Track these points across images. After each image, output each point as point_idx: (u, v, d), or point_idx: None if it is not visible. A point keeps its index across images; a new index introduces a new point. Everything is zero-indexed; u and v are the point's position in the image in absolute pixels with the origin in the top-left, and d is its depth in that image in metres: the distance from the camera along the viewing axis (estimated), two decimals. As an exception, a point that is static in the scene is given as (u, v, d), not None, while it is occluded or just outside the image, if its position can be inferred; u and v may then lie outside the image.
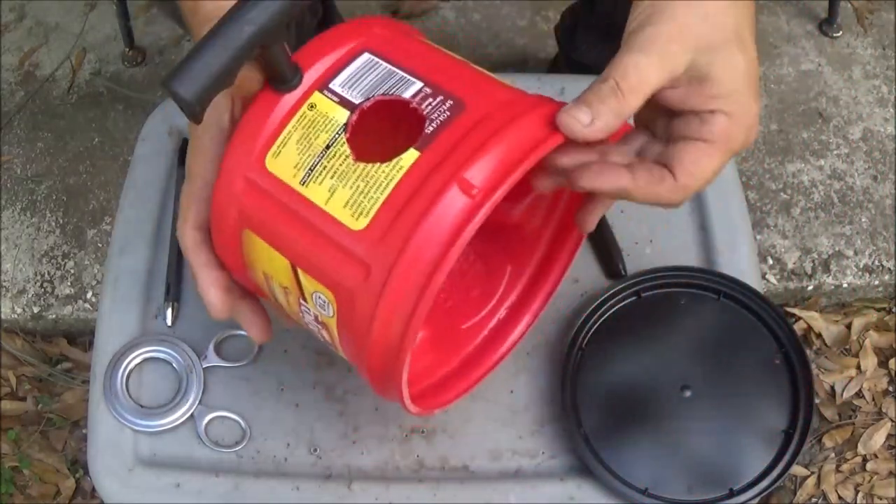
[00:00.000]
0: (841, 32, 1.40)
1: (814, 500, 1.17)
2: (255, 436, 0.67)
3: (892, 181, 1.26)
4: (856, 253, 1.22)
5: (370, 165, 0.46)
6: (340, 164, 0.47)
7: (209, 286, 0.54)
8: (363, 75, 0.50)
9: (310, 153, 0.48)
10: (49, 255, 1.27)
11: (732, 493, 0.63)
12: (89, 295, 1.24)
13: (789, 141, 1.30)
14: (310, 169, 0.48)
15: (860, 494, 1.16)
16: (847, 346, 1.25)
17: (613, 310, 0.69)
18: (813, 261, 1.22)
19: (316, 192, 0.47)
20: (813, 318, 1.24)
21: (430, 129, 0.47)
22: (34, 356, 1.27)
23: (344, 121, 0.48)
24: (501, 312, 0.65)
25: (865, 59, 1.38)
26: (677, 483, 0.63)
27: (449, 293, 0.65)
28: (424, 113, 0.47)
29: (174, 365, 0.69)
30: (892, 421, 1.20)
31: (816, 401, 1.06)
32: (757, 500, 0.64)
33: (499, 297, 0.65)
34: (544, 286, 0.65)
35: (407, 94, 0.48)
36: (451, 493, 0.65)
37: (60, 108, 1.41)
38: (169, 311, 0.71)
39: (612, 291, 0.69)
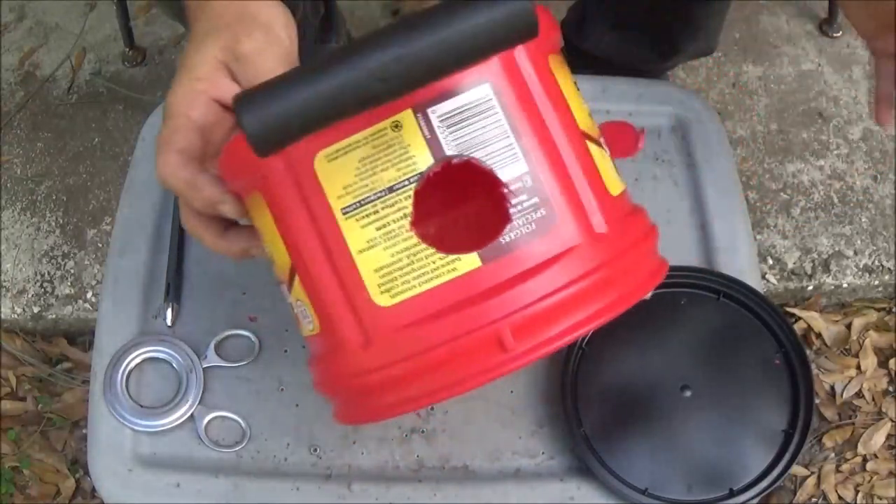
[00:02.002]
0: (841, 32, 1.40)
1: (814, 500, 1.17)
2: (255, 436, 0.67)
3: (892, 181, 1.26)
4: (856, 253, 1.22)
5: (423, 245, 0.40)
6: (394, 221, 0.40)
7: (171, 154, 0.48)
8: (471, 119, 0.41)
9: (367, 185, 0.41)
10: (49, 255, 1.27)
11: (732, 493, 0.63)
12: (89, 295, 1.23)
13: (789, 141, 1.30)
14: (359, 203, 0.41)
15: (860, 494, 1.16)
16: (847, 346, 1.25)
17: (613, 310, 0.69)
18: (813, 261, 1.22)
19: (354, 235, 0.41)
20: (813, 318, 1.24)
21: (506, 239, 0.40)
22: (34, 356, 1.27)
23: (422, 168, 0.40)
24: None
25: (865, 59, 1.38)
26: (677, 483, 0.63)
27: None
28: (510, 212, 0.40)
29: (174, 365, 0.69)
30: (892, 421, 1.20)
31: (816, 401, 1.06)
32: (757, 500, 0.64)
33: None
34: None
35: (505, 175, 0.41)
36: (451, 493, 0.65)
37: (60, 108, 1.41)
38: (169, 311, 0.71)
39: (612, 291, 0.69)
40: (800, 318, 1.23)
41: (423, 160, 0.40)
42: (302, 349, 0.70)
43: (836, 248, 1.22)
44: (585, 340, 0.68)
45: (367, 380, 0.43)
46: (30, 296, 1.24)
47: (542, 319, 0.40)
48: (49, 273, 1.26)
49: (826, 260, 1.22)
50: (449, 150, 0.40)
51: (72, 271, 1.25)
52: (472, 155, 0.40)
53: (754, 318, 0.69)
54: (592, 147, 0.45)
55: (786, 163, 1.28)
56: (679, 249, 0.73)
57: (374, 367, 0.42)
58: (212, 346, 0.70)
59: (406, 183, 0.40)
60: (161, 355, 0.70)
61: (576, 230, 0.41)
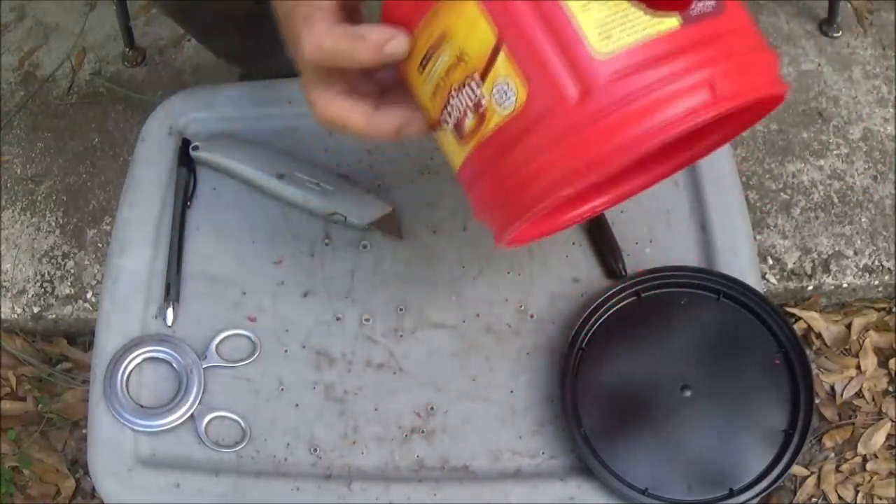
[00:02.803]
0: (841, 32, 1.40)
1: (814, 500, 1.17)
2: (255, 436, 0.67)
3: (892, 181, 1.26)
4: (856, 253, 1.22)
5: (632, 7, 0.45)
6: None
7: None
8: None
9: None
10: (49, 255, 1.27)
11: (732, 493, 0.63)
12: (89, 295, 1.24)
13: (789, 141, 1.30)
14: None
15: (860, 494, 1.16)
16: (847, 346, 1.25)
17: (613, 310, 0.69)
18: (813, 261, 1.22)
19: None
20: (813, 318, 1.24)
21: (694, 12, 0.46)
22: (34, 356, 1.27)
23: None
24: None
25: (865, 59, 1.38)
26: (677, 483, 0.64)
27: None
28: None
29: (174, 365, 0.69)
30: (892, 421, 1.20)
31: (816, 401, 1.06)
32: (757, 500, 0.64)
33: None
34: (638, 178, 0.63)
35: None
36: (451, 493, 0.65)
37: (60, 108, 1.41)
38: (169, 311, 0.71)
39: (612, 291, 0.69)
40: (800, 318, 1.24)
41: None
42: (302, 349, 0.70)
43: (836, 248, 1.22)
44: (585, 340, 0.68)
45: (587, 133, 0.45)
46: (30, 296, 1.24)
47: (742, 69, 0.46)
48: (49, 273, 1.26)
49: (826, 260, 1.22)
50: None
51: (72, 271, 1.25)
52: None
53: (754, 318, 0.69)
54: None
55: (786, 163, 1.29)
56: (679, 249, 0.73)
57: (594, 115, 0.45)
58: (212, 346, 0.70)
59: None
60: (161, 355, 0.70)
61: (736, 16, 0.48)
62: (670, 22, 0.45)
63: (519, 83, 0.47)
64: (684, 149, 0.61)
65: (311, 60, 0.49)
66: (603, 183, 0.62)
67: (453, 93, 0.50)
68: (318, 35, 0.48)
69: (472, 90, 0.49)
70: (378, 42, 0.48)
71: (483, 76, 0.48)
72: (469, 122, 0.50)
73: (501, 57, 0.47)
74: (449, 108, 0.51)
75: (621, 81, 0.45)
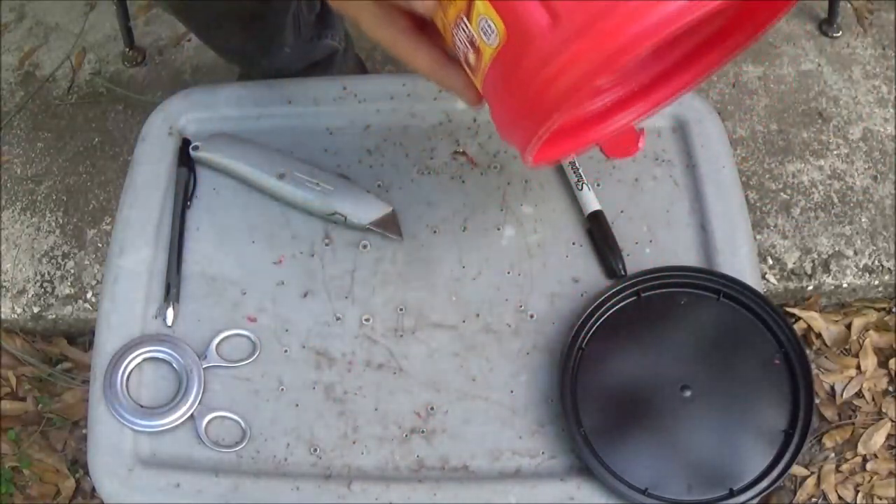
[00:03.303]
0: (841, 32, 1.40)
1: (814, 500, 1.17)
2: (255, 436, 0.67)
3: (892, 181, 1.26)
4: (856, 253, 1.22)
5: None
6: None
7: None
8: None
9: None
10: (49, 255, 1.27)
11: (732, 493, 0.63)
12: (89, 295, 1.24)
13: (789, 141, 1.30)
14: None
15: (860, 494, 1.16)
16: (847, 346, 1.25)
17: (613, 310, 0.69)
18: (813, 261, 1.22)
19: None
20: (813, 318, 1.24)
21: None
22: (34, 356, 1.27)
23: None
24: (620, 92, 0.61)
25: (865, 59, 1.38)
26: (677, 483, 0.63)
27: None
28: None
29: (174, 365, 0.69)
30: (892, 421, 1.20)
31: (816, 401, 1.06)
32: (757, 500, 0.64)
33: (622, 76, 0.61)
34: (672, 83, 0.61)
35: None
36: (451, 493, 0.65)
37: (60, 108, 1.41)
38: (169, 311, 0.71)
39: (612, 291, 0.69)
40: (800, 318, 1.24)
41: None
42: (302, 349, 0.70)
43: (836, 248, 1.22)
44: (585, 340, 0.68)
45: (564, 57, 0.44)
46: (30, 296, 1.24)
47: None
48: (49, 273, 1.26)
49: (826, 260, 1.22)
50: None
51: (72, 271, 1.25)
52: None
53: (754, 318, 0.69)
54: None
55: (786, 163, 1.29)
56: (679, 249, 0.73)
57: (568, 37, 0.44)
58: (212, 346, 0.70)
59: None
60: (161, 355, 0.70)
61: None
62: None
63: (497, 18, 0.47)
64: (706, 50, 0.58)
65: None
66: (627, 96, 0.60)
67: (454, 30, 0.51)
68: None
69: (465, 28, 0.49)
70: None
71: (468, 15, 0.48)
72: (471, 56, 0.50)
73: None
74: (456, 44, 0.51)
75: None
